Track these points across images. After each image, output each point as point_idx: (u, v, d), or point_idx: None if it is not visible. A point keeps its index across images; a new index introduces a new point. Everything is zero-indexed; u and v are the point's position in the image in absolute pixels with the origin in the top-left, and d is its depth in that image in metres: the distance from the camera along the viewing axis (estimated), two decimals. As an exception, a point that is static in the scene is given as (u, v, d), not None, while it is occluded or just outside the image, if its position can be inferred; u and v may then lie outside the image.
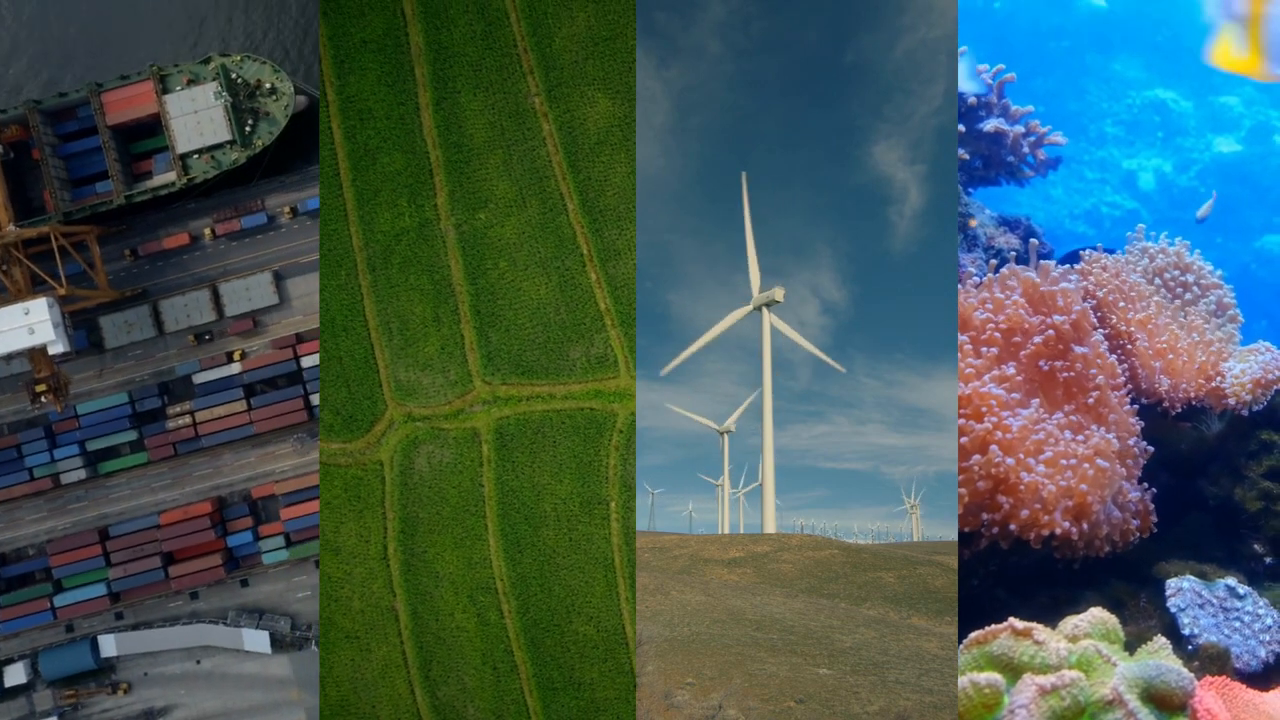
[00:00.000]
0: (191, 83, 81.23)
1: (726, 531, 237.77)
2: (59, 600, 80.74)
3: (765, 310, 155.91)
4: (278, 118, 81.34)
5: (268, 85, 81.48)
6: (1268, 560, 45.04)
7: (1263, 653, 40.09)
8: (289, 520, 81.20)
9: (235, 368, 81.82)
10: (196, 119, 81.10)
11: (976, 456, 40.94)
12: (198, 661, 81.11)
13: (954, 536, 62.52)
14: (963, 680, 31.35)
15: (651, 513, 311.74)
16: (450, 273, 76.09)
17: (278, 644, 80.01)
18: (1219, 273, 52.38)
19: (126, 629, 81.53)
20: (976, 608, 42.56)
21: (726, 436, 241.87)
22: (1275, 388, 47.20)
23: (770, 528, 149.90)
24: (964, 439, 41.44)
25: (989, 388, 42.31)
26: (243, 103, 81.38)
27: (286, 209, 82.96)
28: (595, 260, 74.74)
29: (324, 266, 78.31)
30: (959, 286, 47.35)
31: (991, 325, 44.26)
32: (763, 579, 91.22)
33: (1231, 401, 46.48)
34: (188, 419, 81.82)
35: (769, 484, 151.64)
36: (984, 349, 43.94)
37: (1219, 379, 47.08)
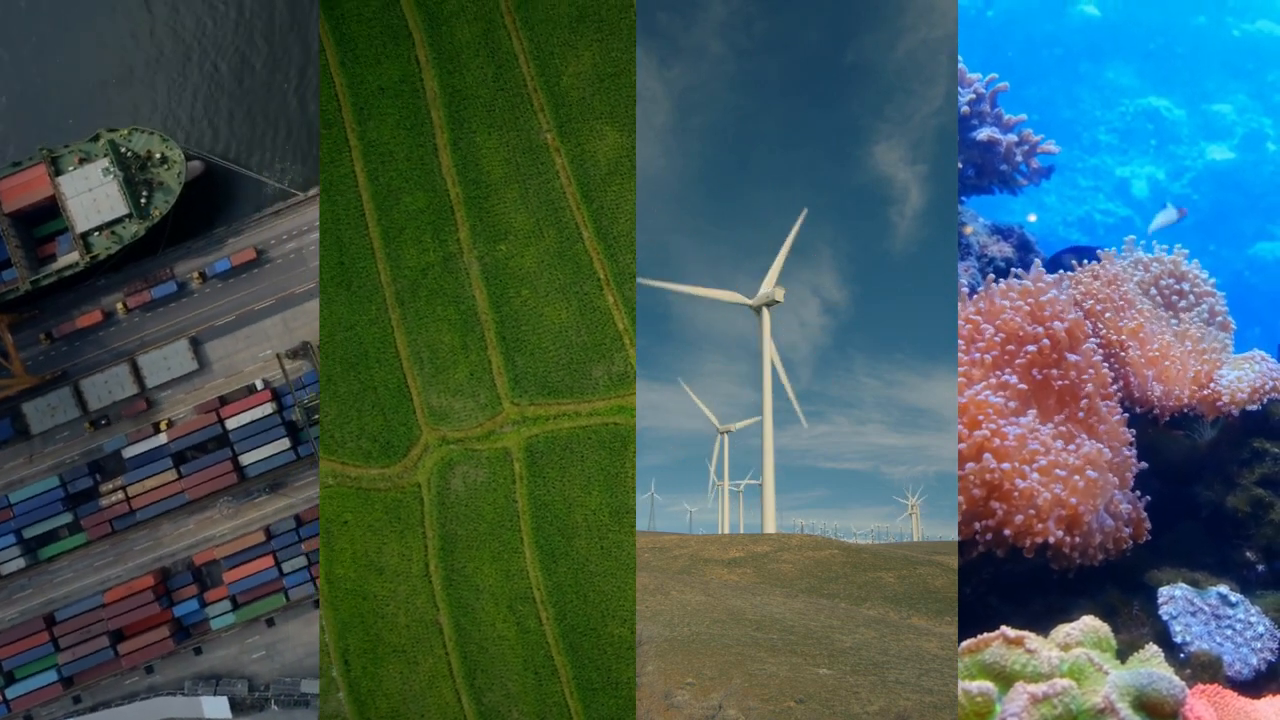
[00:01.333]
0: (83, 161, 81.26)
1: (726, 531, 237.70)
2: (11, 692, 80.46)
3: (765, 310, 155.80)
4: (172, 186, 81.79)
5: (158, 155, 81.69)
6: (1259, 568, 44.93)
7: (1254, 660, 40.10)
8: (233, 583, 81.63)
9: (162, 438, 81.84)
10: (92, 197, 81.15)
11: (971, 464, 41.03)
12: None
13: (954, 536, 62.58)
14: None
15: (651, 513, 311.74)
16: (475, 302, 78.87)
17: (237, 708, 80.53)
18: (1213, 280, 52.47)
19: (85, 711, 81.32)
20: (971, 615, 42.69)
21: (726, 436, 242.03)
22: (1270, 396, 47.18)
23: (770, 528, 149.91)
24: (962, 445, 41.55)
25: (985, 395, 42.43)
26: (135, 175, 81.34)
27: (196, 274, 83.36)
28: (611, 283, 77.75)
29: (349, 302, 80.00)
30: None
31: (989, 332, 44.36)
32: (763, 579, 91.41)
33: (1225, 400, 46.43)
34: (121, 494, 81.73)
35: (769, 484, 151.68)
36: (980, 355, 44.06)
37: (1212, 385, 47.08)
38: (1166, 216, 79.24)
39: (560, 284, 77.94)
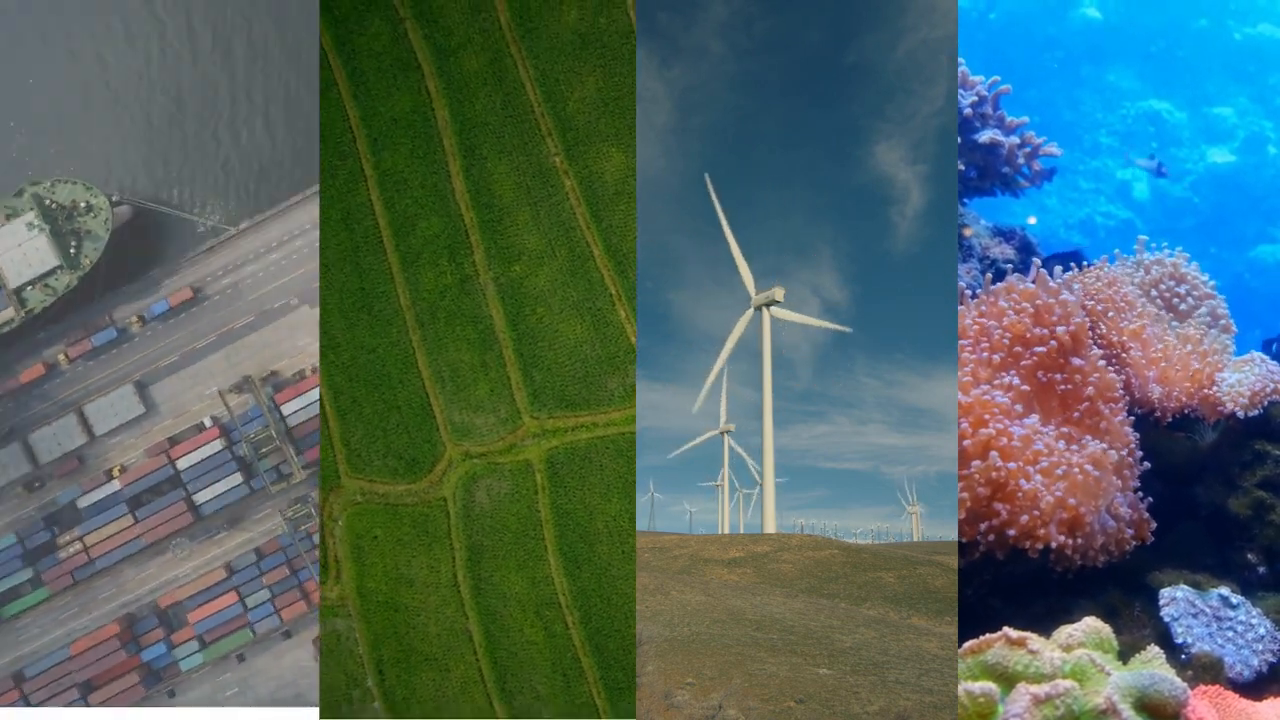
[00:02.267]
0: (9, 217, 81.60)
1: (726, 531, 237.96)
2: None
3: (765, 310, 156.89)
4: (99, 233, 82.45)
5: (83, 204, 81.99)
6: (1261, 570, 44.91)
7: (1255, 662, 40.16)
8: (198, 622, 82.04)
9: (115, 484, 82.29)
10: (21, 251, 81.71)
11: (976, 463, 40.97)
12: None
13: (954, 536, 62.68)
14: (958, 690, 31.61)
15: (651, 513, 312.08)
16: (493, 322, 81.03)
17: None
18: (1213, 283, 52.51)
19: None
20: (972, 617, 42.73)
21: (726, 436, 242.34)
22: (1271, 398, 47.21)
23: (770, 528, 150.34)
24: (965, 442, 41.49)
25: (993, 395, 42.36)
26: (63, 226, 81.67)
27: (135, 318, 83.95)
28: (623, 298, 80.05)
29: (371, 325, 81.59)
30: (955, 298, 47.59)
31: (996, 333, 44.33)
32: (763, 579, 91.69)
33: (1229, 405, 46.39)
34: (79, 545, 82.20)
35: (769, 484, 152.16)
36: (987, 356, 44.05)
37: (1214, 387, 47.09)
38: (1146, 163, 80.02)
39: (574, 301, 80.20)
